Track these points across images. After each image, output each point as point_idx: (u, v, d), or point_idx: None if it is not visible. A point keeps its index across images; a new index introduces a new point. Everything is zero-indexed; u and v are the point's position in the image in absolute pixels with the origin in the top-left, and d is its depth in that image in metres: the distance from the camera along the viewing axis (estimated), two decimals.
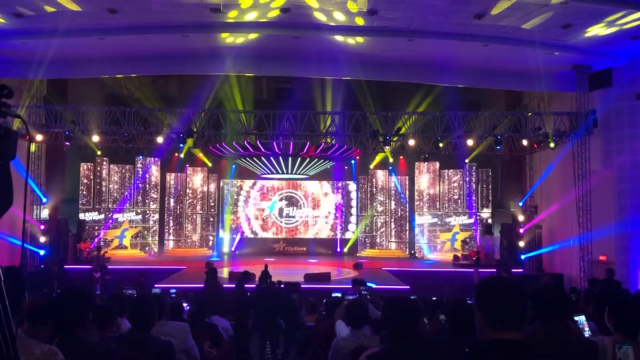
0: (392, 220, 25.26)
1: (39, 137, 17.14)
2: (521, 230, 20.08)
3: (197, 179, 25.14)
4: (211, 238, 25.27)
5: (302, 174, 20.84)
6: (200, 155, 22.73)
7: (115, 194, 23.39)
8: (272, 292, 9.69)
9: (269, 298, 9.18)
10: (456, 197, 24.24)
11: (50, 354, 2.18)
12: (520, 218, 20.38)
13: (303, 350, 8.55)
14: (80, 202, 22.45)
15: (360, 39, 13.78)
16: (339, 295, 9.35)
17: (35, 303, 2.98)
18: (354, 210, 25.71)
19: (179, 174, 24.69)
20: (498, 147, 17.75)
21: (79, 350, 2.52)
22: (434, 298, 10.66)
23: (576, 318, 3.90)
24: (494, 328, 1.91)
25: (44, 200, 18.93)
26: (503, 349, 1.87)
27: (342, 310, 5.40)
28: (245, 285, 10.62)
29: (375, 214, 25.42)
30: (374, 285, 12.24)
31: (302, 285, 12.41)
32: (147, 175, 23.98)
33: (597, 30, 12.64)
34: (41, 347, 2.17)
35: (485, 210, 23.59)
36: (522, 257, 19.68)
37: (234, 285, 11.00)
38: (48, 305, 2.70)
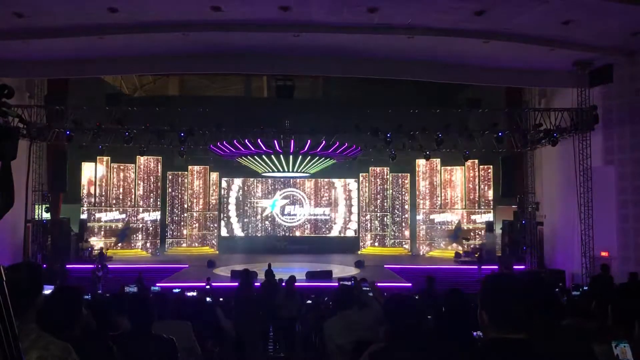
0: (394, 217, 25.27)
1: (40, 137, 17.14)
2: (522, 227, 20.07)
3: (198, 178, 25.15)
4: (213, 236, 25.29)
5: (304, 172, 20.85)
6: (201, 153, 22.73)
7: (116, 193, 23.42)
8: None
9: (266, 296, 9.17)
10: (457, 193, 24.24)
11: (66, 352, 2.17)
12: (522, 215, 20.36)
13: (304, 345, 8.57)
14: (81, 201, 22.48)
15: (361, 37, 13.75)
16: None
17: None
18: (355, 209, 25.73)
19: (180, 172, 24.72)
20: (499, 144, 17.72)
21: (81, 350, 2.52)
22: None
23: None
24: (498, 328, 1.89)
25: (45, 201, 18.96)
26: (505, 348, 1.84)
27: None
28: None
29: (377, 211, 25.42)
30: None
31: (305, 283, 12.43)
32: (148, 174, 24.00)
33: (598, 26, 12.60)
34: (57, 344, 2.16)
35: (486, 207, 23.58)
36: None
37: (237, 284, 11.01)
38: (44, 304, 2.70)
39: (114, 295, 8.96)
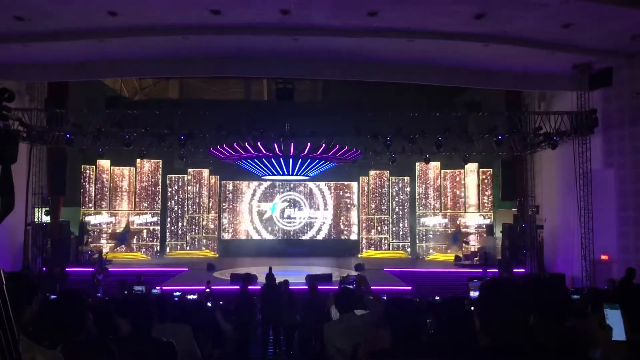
0: (393, 220, 25.26)
1: (40, 140, 17.14)
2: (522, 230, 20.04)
3: (198, 181, 25.14)
4: (213, 239, 25.26)
5: (304, 175, 20.85)
6: (201, 156, 22.74)
7: (116, 196, 23.41)
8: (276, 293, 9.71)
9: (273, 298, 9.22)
10: (457, 197, 24.23)
11: None
12: (522, 218, 20.33)
13: (304, 349, 8.55)
14: (81, 204, 22.47)
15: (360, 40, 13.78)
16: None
17: (38, 307, 2.96)
18: (355, 212, 25.71)
19: (180, 175, 24.71)
20: (499, 147, 17.73)
21: (83, 354, 2.52)
22: (437, 297, 10.67)
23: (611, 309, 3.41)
24: (496, 334, 1.86)
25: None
26: (504, 354, 1.82)
27: (332, 298, 5.38)
28: (249, 287, 10.64)
29: (377, 214, 25.41)
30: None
31: (304, 287, 12.41)
32: (148, 177, 24.00)
33: (597, 29, 12.62)
34: (45, 353, 2.14)
35: (486, 210, 23.57)
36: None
37: (238, 287, 11.02)
38: (45, 310, 2.66)
39: (114, 297, 8.98)
